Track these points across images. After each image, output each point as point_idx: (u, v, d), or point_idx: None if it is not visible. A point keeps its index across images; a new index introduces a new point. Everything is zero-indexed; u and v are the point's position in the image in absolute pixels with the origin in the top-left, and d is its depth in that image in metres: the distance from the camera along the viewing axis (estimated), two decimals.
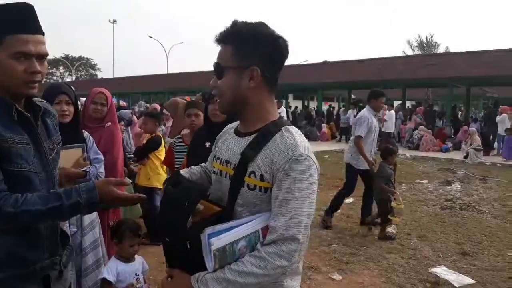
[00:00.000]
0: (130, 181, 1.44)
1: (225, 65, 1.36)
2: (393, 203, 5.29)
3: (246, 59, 1.33)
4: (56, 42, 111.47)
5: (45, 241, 1.52)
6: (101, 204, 1.48)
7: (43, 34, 1.47)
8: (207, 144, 2.81)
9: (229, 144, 1.47)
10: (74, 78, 61.19)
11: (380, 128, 16.73)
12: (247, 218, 1.31)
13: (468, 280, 4.03)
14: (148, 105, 21.83)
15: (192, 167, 1.68)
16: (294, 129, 1.38)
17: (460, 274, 4.16)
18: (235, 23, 1.36)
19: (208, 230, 1.23)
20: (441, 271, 4.24)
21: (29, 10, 1.44)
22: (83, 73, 76.48)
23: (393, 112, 16.48)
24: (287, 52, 1.39)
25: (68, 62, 65.91)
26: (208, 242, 1.23)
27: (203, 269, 1.27)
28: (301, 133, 1.40)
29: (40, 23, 1.47)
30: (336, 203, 5.87)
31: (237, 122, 1.53)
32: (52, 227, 1.56)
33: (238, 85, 1.35)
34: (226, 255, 1.24)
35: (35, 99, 1.59)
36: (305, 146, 1.31)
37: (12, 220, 1.35)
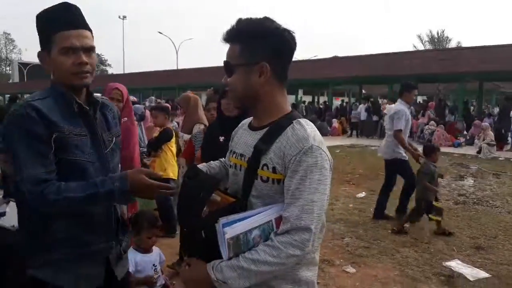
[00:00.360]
0: (162, 174, 1.50)
1: (234, 63, 1.39)
2: (435, 203, 5.23)
3: (254, 56, 1.35)
4: None
5: (100, 226, 1.65)
6: (133, 194, 1.56)
7: (87, 29, 1.60)
8: (221, 138, 2.84)
9: (244, 138, 1.50)
10: None
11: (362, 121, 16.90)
12: (260, 208, 1.34)
13: (483, 274, 4.02)
14: (159, 100, 21.94)
15: (211, 161, 1.71)
16: (305, 122, 1.40)
17: (475, 268, 4.15)
18: (239, 21, 1.38)
19: (223, 219, 1.27)
20: (456, 265, 4.23)
21: (69, 8, 1.58)
22: None
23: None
24: (295, 44, 1.40)
25: None
26: (222, 231, 1.26)
27: (218, 258, 1.30)
28: (313, 126, 1.41)
29: (85, 19, 1.61)
30: (401, 203, 5.85)
31: (251, 118, 1.56)
32: (107, 214, 1.69)
33: (248, 82, 1.38)
34: (240, 244, 1.28)
35: (96, 94, 1.73)
36: (316, 138, 1.33)
37: (54, 205, 1.48)
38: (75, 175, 1.54)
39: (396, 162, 5.81)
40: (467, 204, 6.81)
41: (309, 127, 1.36)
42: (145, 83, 34.52)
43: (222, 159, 1.73)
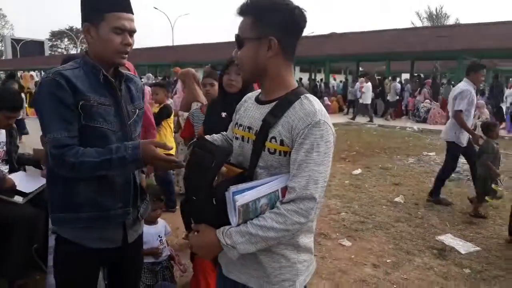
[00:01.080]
0: (172, 146, 1.58)
1: (244, 36, 1.44)
2: (494, 186, 5.03)
3: (264, 30, 1.40)
4: (60, 14, 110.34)
5: (118, 192, 1.78)
6: (144, 163, 1.66)
7: (133, 13, 1.73)
8: (223, 114, 2.88)
9: (251, 111, 1.55)
10: (79, 50, 60.86)
11: (358, 99, 17.01)
12: (268, 178, 1.41)
13: (473, 248, 4.16)
14: (153, 77, 21.86)
15: (214, 135, 1.77)
16: (312, 97, 1.46)
17: (466, 242, 4.29)
18: None
19: (233, 188, 1.34)
20: (448, 239, 4.37)
21: None
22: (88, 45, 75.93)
23: (369, 84, 17.00)
24: (304, 22, 1.44)
25: (73, 34, 65.41)
26: (233, 199, 1.34)
27: (227, 224, 1.39)
28: (319, 101, 1.47)
29: (131, 4, 1.74)
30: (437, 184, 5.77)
31: (257, 92, 1.62)
32: (126, 182, 1.81)
33: (256, 55, 1.43)
34: (249, 211, 1.36)
35: (122, 68, 1.84)
36: (323, 113, 1.39)
37: (72, 168, 1.60)
38: (98, 142, 1.66)
39: (451, 144, 5.60)
40: (460, 181, 6.95)
41: (316, 103, 1.43)
42: (141, 60, 34.22)
43: (224, 133, 1.79)
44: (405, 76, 25.91)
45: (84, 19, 1.72)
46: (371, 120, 16.05)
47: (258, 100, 1.55)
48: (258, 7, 1.40)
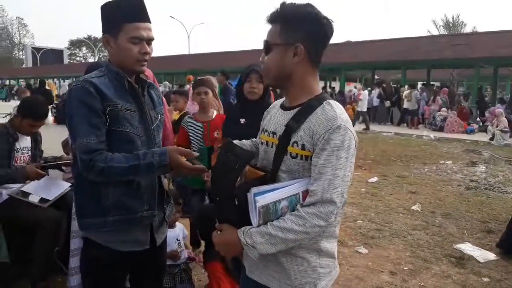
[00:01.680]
0: (197, 154, 1.65)
1: (272, 42, 1.48)
2: None
3: (291, 37, 1.44)
4: (79, 23, 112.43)
5: (145, 195, 1.84)
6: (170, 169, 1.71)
7: (150, 22, 1.79)
8: (242, 121, 2.93)
9: (276, 118, 1.60)
10: (97, 59, 61.95)
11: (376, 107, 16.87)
12: (289, 181, 1.45)
13: (493, 256, 4.11)
14: (170, 85, 22.12)
15: (244, 140, 1.82)
16: (335, 103, 1.48)
17: (485, 250, 4.24)
18: (283, 4, 1.47)
19: (254, 189, 1.39)
20: (466, 247, 4.32)
21: (141, 3, 1.77)
22: (105, 54, 77.21)
23: (366, 92, 17.62)
24: (331, 32, 1.48)
25: (91, 42, 66.58)
26: (254, 200, 1.38)
27: (248, 225, 1.42)
28: (341, 106, 1.49)
29: (148, 13, 1.80)
30: None
31: (282, 99, 1.66)
32: (152, 185, 1.88)
33: (283, 61, 1.47)
34: (269, 213, 1.39)
35: (142, 75, 1.91)
36: (344, 119, 1.41)
37: (101, 173, 1.65)
38: (124, 147, 1.73)
39: None
40: (478, 189, 6.86)
41: (338, 108, 1.45)
42: (157, 68, 34.63)
43: (253, 139, 1.84)
44: (419, 84, 25.72)
45: (104, 30, 1.79)
46: (367, 128, 15.97)
47: (282, 107, 1.60)
48: (287, 15, 1.45)
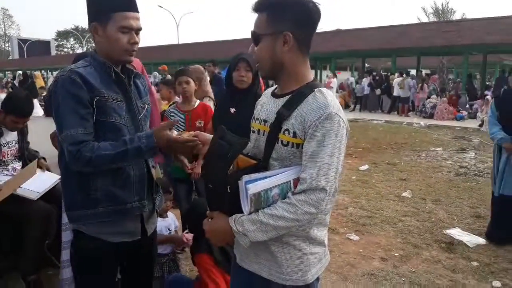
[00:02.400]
0: (177, 119, 1.63)
1: (260, 33, 1.47)
2: None
3: (279, 25, 1.43)
4: (66, 14, 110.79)
5: (134, 185, 1.82)
6: (160, 149, 1.71)
7: (139, 12, 1.77)
8: (232, 110, 2.92)
9: (267, 105, 1.59)
10: (85, 49, 61.18)
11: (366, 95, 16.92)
12: (280, 169, 1.44)
13: (482, 241, 4.16)
14: (160, 75, 21.92)
15: None
16: (326, 90, 1.47)
17: (474, 235, 4.29)
18: None
19: (246, 177, 1.39)
20: (456, 233, 4.37)
21: None
22: (93, 45, 76.22)
23: (335, 80, 18.56)
24: (319, 16, 1.46)
25: (79, 33, 65.70)
26: (245, 188, 1.38)
27: (239, 212, 1.42)
28: (333, 94, 1.49)
29: (136, 3, 1.78)
30: None
31: (274, 87, 1.65)
32: (141, 175, 1.86)
33: (273, 50, 1.46)
34: (260, 200, 1.39)
35: (129, 65, 1.88)
36: (335, 106, 1.41)
37: (90, 163, 1.63)
38: (112, 137, 1.71)
39: None
40: (468, 176, 6.94)
41: (329, 95, 1.44)
42: (146, 58, 34.37)
43: None
44: (411, 72, 25.83)
45: (92, 19, 1.76)
46: None
47: (274, 94, 1.59)
48: (272, 3, 1.43)
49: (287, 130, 1.43)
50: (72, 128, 1.63)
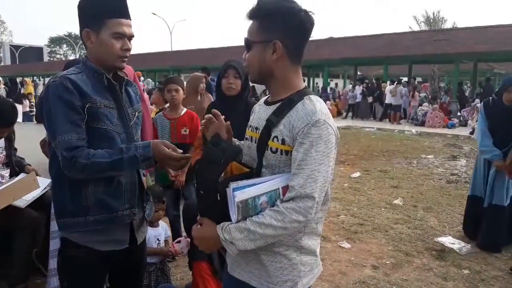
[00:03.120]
0: (181, 151, 1.67)
1: (251, 40, 1.48)
2: None
3: (269, 33, 1.43)
4: (59, 20, 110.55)
5: (125, 194, 1.81)
6: (154, 162, 1.70)
7: (131, 19, 1.78)
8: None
9: (259, 113, 1.59)
10: (77, 56, 60.98)
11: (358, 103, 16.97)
12: (269, 177, 1.43)
13: (473, 249, 4.17)
14: (153, 82, 21.97)
15: (234, 139, 1.78)
16: (315, 98, 1.47)
17: (465, 243, 4.30)
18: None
19: (233, 184, 1.37)
20: (447, 240, 4.38)
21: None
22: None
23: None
24: (311, 25, 1.46)
25: (72, 40, 65.50)
26: (232, 195, 1.37)
27: (229, 220, 1.41)
28: (322, 101, 1.49)
29: (129, 10, 1.79)
30: None
31: (268, 95, 1.65)
32: (132, 183, 1.85)
33: (263, 58, 1.46)
34: (248, 208, 1.38)
35: (121, 72, 1.89)
36: (323, 113, 1.40)
37: (84, 170, 1.62)
38: (104, 144, 1.70)
39: None
40: (459, 183, 6.97)
41: (318, 103, 1.44)
42: (139, 65, 34.33)
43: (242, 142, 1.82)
44: (403, 79, 26.05)
45: (84, 25, 1.75)
46: None
47: (266, 102, 1.59)
48: (264, 11, 1.43)
49: (276, 137, 1.43)
50: (65, 133, 1.62)
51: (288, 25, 1.42)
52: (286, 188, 1.40)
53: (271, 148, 1.44)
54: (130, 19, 1.79)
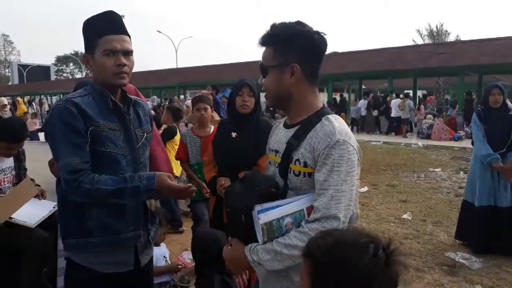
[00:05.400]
0: (195, 189, 1.75)
1: (268, 65, 1.52)
2: None
3: (286, 57, 1.47)
4: (66, 39, 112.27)
5: (129, 215, 1.80)
6: (157, 193, 1.71)
7: (127, 34, 1.77)
8: (234, 134, 2.93)
9: (278, 136, 1.63)
10: (84, 75, 61.65)
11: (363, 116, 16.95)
12: (293, 198, 1.47)
13: (485, 263, 4.11)
14: (158, 99, 22.17)
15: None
16: (334, 118, 1.49)
17: (476, 258, 4.24)
18: (273, 26, 1.49)
19: (257, 207, 1.41)
20: (458, 255, 4.32)
21: (112, 15, 1.76)
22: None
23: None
24: (325, 46, 1.51)
25: (78, 58, 66.32)
26: (257, 217, 1.41)
27: (256, 241, 1.45)
28: (341, 121, 1.51)
29: (125, 26, 1.78)
30: None
31: (285, 117, 1.68)
32: (137, 206, 1.84)
33: (281, 82, 1.50)
34: (273, 230, 1.41)
35: (134, 97, 1.92)
36: (342, 133, 1.42)
37: (87, 195, 1.62)
38: (108, 167, 1.71)
39: None
40: None
41: (336, 122, 1.46)
42: (145, 82, 34.64)
43: None
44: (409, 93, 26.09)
45: (85, 51, 1.80)
46: None
47: (285, 124, 1.62)
48: (278, 37, 1.47)
49: (298, 160, 1.46)
50: (67, 157, 1.64)
51: (303, 48, 1.46)
52: (311, 209, 1.42)
53: (293, 171, 1.47)
54: (125, 34, 1.78)
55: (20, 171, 3.34)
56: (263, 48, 1.52)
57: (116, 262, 1.82)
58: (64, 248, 1.84)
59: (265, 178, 1.56)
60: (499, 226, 4.27)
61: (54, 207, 3.14)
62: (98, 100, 1.76)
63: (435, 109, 19.06)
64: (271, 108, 14.97)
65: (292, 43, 1.45)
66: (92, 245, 1.74)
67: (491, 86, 4.49)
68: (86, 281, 1.78)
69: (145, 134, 1.94)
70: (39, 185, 3.43)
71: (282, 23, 1.49)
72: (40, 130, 13.29)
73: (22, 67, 61.14)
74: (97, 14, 1.79)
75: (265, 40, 1.50)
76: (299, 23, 1.48)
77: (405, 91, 22.21)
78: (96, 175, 1.66)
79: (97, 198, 1.65)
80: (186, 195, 1.79)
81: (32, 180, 3.39)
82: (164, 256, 3.12)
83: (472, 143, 4.69)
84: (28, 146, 3.35)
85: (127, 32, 1.80)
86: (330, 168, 1.38)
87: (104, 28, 1.73)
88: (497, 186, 4.29)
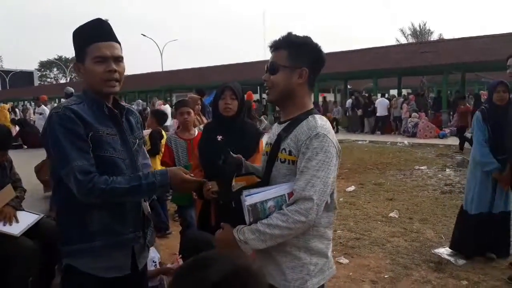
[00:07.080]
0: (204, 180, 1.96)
1: (281, 64, 1.71)
2: None
3: (299, 61, 1.70)
4: (49, 44, 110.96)
5: (128, 217, 1.84)
6: (172, 188, 1.79)
7: (116, 41, 1.80)
8: (219, 137, 2.94)
9: (273, 130, 1.87)
10: (68, 80, 61.03)
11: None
12: (276, 185, 1.68)
13: (470, 260, 4.17)
14: (144, 103, 22.07)
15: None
16: (319, 117, 1.72)
17: (462, 254, 4.30)
18: (289, 34, 1.73)
19: (245, 192, 1.63)
20: (444, 252, 4.39)
21: (101, 23, 1.79)
22: (77, 74, 76.26)
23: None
24: (325, 61, 1.77)
25: (62, 63, 65.64)
26: (244, 200, 1.61)
27: (244, 224, 1.64)
28: (325, 119, 1.74)
29: (114, 33, 1.81)
30: None
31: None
32: (134, 206, 1.88)
33: (289, 81, 1.72)
34: (258, 211, 1.61)
35: (126, 105, 1.98)
36: (323, 128, 1.65)
37: (102, 194, 1.66)
38: (109, 171, 1.73)
39: None
40: (453, 193, 7.01)
41: (320, 120, 1.69)
42: (130, 87, 34.41)
43: None
44: (393, 92, 26.34)
45: (76, 60, 1.82)
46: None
47: (279, 121, 1.86)
48: (293, 42, 1.71)
49: (284, 149, 1.69)
50: (77, 160, 1.66)
51: (314, 59, 1.73)
52: (291, 194, 1.62)
53: (280, 159, 1.70)
54: (114, 41, 1.80)
55: (4, 179, 3.28)
56: (263, 49, 1.71)
57: (114, 266, 1.83)
58: (63, 255, 1.83)
59: (232, 161, 1.81)
60: (492, 230, 4.10)
61: (37, 218, 3.12)
62: (92, 107, 1.79)
63: (419, 107, 19.24)
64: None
65: (306, 51, 1.70)
66: (96, 248, 1.76)
67: (495, 83, 4.12)
68: (84, 286, 1.79)
69: (137, 140, 1.98)
70: (25, 189, 3.41)
71: (295, 34, 1.73)
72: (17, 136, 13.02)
73: (5, 73, 60.31)
74: (86, 23, 1.81)
75: (279, 44, 1.72)
76: (309, 37, 1.74)
77: (390, 91, 22.49)
78: (106, 176, 1.69)
79: (112, 197, 1.69)
80: (195, 186, 1.88)
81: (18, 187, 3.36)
82: (153, 261, 3.11)
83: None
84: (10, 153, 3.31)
85: (116, 39, 1.82)
86: (309, 156, 1.59)
87: (93, 36, 1.76)
88: (494, 193, 4.05)
